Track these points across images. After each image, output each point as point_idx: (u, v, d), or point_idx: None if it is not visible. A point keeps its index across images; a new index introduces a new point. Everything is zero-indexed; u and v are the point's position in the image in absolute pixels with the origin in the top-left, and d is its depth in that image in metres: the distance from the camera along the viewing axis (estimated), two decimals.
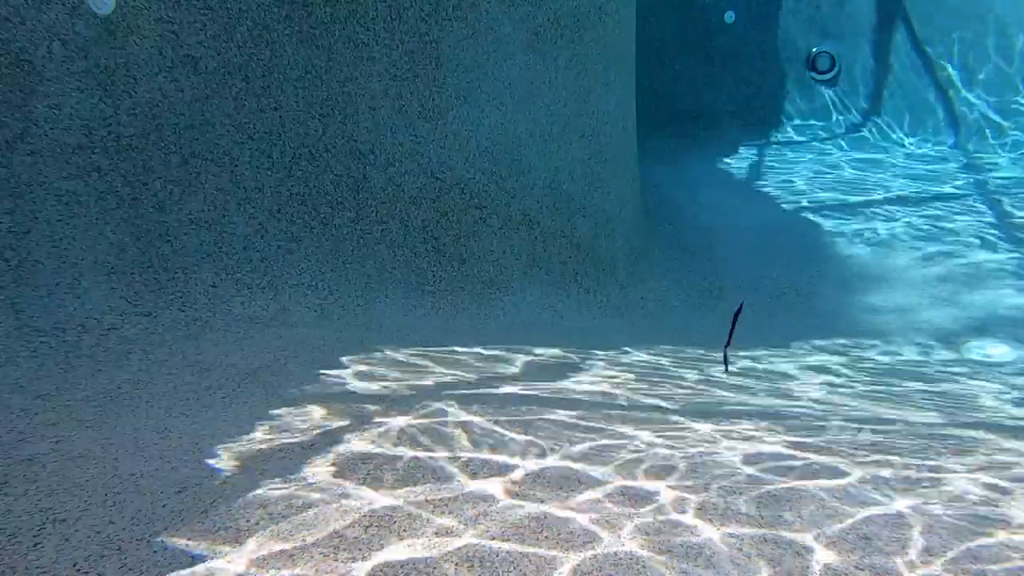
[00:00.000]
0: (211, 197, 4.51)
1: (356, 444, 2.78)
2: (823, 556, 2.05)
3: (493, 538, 2.11)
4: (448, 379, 3.68)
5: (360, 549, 2.08)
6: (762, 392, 3.96)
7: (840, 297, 6.28)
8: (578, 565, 1.98)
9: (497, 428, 2.95)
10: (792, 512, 2.30)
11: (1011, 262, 6.70)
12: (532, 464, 2.64)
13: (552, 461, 2.66)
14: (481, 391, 3.47)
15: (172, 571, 1.98)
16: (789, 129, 10.20)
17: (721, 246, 6.95)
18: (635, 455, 2.74)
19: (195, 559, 2.03)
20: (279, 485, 2.46)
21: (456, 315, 5.05)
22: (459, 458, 2.66)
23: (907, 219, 7.63)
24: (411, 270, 5.12)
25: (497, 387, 3.58)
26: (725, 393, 3.85)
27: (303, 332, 4.28)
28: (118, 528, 2.18)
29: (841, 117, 10.20)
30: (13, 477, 2.46)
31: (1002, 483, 2.58)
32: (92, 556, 2.04)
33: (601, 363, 4.31)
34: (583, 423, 3.09)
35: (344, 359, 3.89)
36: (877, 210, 7.87)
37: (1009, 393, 4.31)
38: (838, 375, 4.61)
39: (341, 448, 2.74)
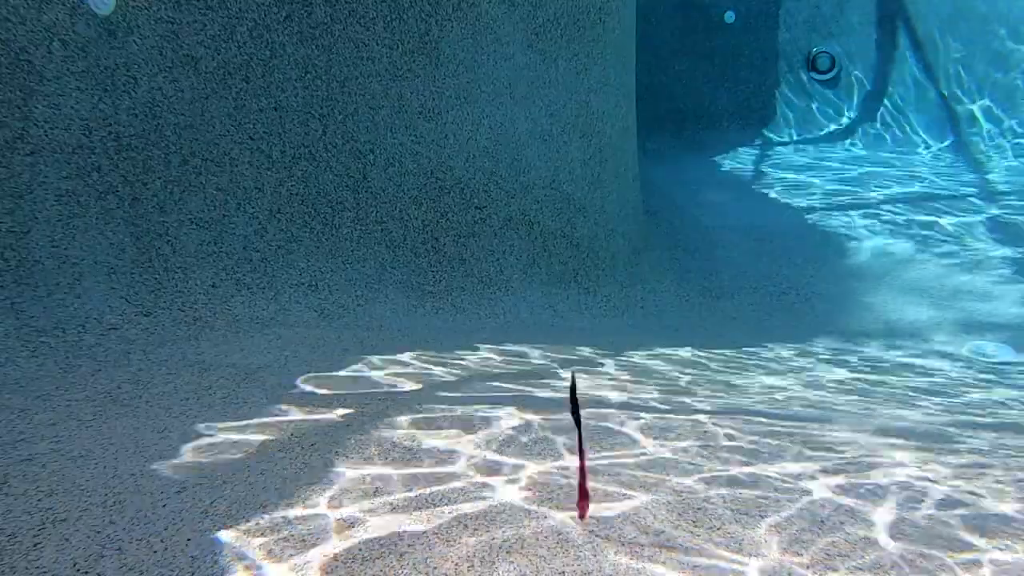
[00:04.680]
0: (211, 197, 4.51)
1: (359, 447, 2.78)
2: None
3: None
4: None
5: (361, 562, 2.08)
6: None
7: (840, 297, 6.28)
8: None
9: None
10: None
11: (1011, 263, 6.70)
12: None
13: None
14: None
15: (172, 573, 1.98)
16: (789, 129, 10.20)
17: (721, 246, 6.95)
18: None
19: (195, 560, 2.03)
20: (280, 486, 2.46)
21: (456, 315, 5.05)
22: None
23: (907, 219, 7.63)
24: (411, 270, 5.12)
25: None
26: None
27: (303, 332, 4.27)
28: (118, 528, 2.18)
29: (841, 117, 10.20)
30: (13, 477, 2.46)
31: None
32: (92, 556, 2.04)
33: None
34: None
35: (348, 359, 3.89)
36: (877, 210, 7.87)
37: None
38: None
39: (343, 450, 2.74)
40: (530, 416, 3.12)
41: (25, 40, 3.87)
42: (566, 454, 2.74)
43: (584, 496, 2.02)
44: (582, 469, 2.03)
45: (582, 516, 2.06)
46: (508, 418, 3.09)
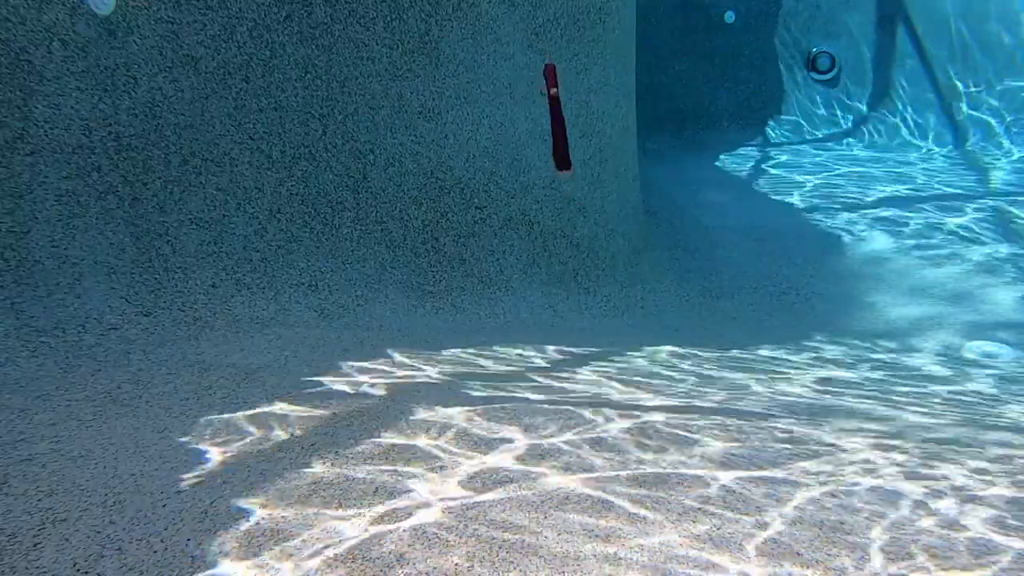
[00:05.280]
0: (211, 197, 4.51)
1: (359, 447, 2.78)
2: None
3: None
4: None
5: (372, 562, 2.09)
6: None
7: (840, 297, 6.28)
8: None
9: None
10: None
11: (1012, 263, 6.70)
12: None
13: None
14: None
15: (172, 573, 1.98)
16: (789, 129, 10.21)
17: (721, 246, 6.95)
18: None
19: (195, 560, 2.04)
20: (280, 486, 2.46)
21: (456, 315, 5.05)
22: None
23: (907, 219, 7.63)
24: (411, 270, 5.12)
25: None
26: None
27: (303, 332, 4.28)
28: (118, 528, 2.18)
29: (841, 117, 10.20)
30: (13, 477, 2.46)
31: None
32: (92, 556, 2.04)
33: None
34: None
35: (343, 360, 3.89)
36: (878, 210, 7.87)
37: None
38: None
39: (342, 450, 2.74)
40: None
41: (25, 40, 3.87)
42: None
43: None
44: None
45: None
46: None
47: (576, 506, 2.31)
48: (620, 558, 2.01)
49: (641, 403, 3.45)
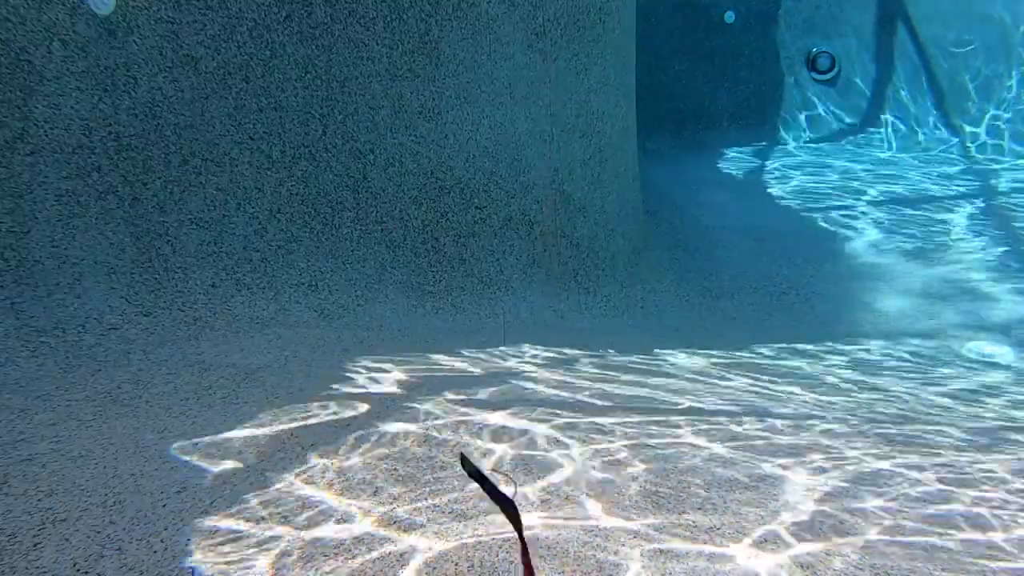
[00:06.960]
0: (211, 197, 4.51)
1: (358, 447, 2.78)
2: None
3: None
4: None
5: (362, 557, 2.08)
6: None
7: (840, 297, 6.29)
8: None
9: None
10: None
11: (1010, 263, 6.70)
12: None
13: None
14: None
15: (172, 573, 1.98)
16: (789, 129, 10.20)
17: (721, 246, 6.95)
18: None
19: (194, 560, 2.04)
20: (279, 486, 2.46)
21: (456, 315, 5.05)
22: None
23: (907, 219, 7.63)
24: (411, 270, 5.12)
25: None
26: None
27: (303, 332, 4.27)
28: (118, 528, 2.18)
29: (841, 117, 10.20)
30: (13, 477, 2.46)
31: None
32: (92, 556, 2.04)
33: None
34: None
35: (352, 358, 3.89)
36: (877, 210, 7.87)
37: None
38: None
39: (342, 450, 2.74)
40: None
41: (25, 40, 3.87)
42: None
43: None
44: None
45: None
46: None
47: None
48: None
49: None
